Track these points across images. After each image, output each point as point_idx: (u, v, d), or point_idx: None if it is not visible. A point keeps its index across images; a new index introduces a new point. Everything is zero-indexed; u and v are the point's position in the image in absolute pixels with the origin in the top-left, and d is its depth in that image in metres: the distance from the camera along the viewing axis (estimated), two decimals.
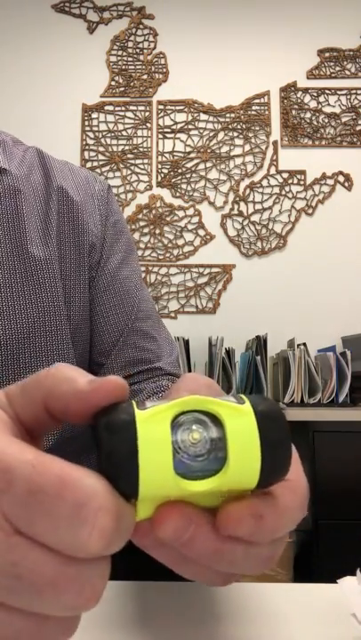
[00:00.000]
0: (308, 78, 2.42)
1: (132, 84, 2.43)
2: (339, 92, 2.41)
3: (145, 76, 2.43)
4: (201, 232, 2.37)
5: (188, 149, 2.40)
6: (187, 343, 2.07)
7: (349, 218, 2.36)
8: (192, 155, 2.40)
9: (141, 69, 2.44)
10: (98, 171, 2.39)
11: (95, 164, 2.40)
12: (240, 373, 2.05)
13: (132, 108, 2.42)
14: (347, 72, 2.42)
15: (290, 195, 2.38)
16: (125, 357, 0.63)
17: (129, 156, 2.40)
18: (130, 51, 2.45)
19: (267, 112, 2.41)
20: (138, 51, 2.45)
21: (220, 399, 0.23)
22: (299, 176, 2.38)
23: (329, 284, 2.32)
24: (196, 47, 2.44)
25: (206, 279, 2.34)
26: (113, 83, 2.43)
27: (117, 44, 2.45)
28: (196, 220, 2.37)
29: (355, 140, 2.39)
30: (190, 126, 2.41)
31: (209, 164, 2.39)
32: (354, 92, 2.41)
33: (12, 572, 0.19)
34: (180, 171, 2.39)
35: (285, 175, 2.38)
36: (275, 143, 2.40)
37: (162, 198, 2.38)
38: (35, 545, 0.20)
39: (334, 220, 2.36)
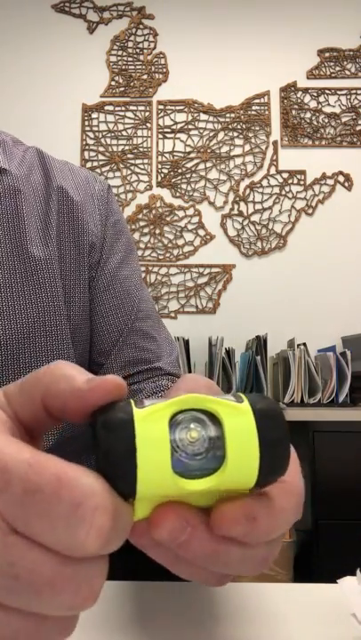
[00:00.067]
0: (308, 78, 2.42)
1: (132, 84, 2.43)
2: (339, 92, 2.41)
3: (145, 76, 2.43)
4: (201, 232, 2.36)
5: (188, 149, 2.40)
6: (187, 343, 2.07)
7: (349, 218, 2.36)
8: (192, 155, 2.40)
9: (141, 69, 2.44)
10: (98, 171, 2.39)
11: (95, 164, 2.40)
12: (240, 373, 2.05)
13: (132, 107, 2.42)
14: (347, 72, 2.42)
15: (290, 195, 2.38)
16: (125, 357, 0.62)
17: (129, 155, 2.40)
18: (130, 51, 2.45)
19: (267, 112, 2.41)
20: (138, 51, 2.45)
21: (218, 397, 0.22)
22: (299, 176, 2.38)
23: (329, 283, 2.32)
24: (196, 47, 2.44)
25: (206, 279, 2.34)
26: (113, 83, 2.43)
27: (117, 44, 2.45)
28: (196, 220, 2.37)
29: (355, 139, 2.39)
30: (190, 126, 2.41)
31: (209, 164, 2.39)
32: (354, 92, 2.41)
33: (10, 571, 0.19)
34: (180, 171, 2.39)
35: (285, 175, 2.38)
36: (275, 143, 2.39)
37: (162, 198, 2.38)
38: (32, 545, 0.20)
39: (334, 219, 2.36)
